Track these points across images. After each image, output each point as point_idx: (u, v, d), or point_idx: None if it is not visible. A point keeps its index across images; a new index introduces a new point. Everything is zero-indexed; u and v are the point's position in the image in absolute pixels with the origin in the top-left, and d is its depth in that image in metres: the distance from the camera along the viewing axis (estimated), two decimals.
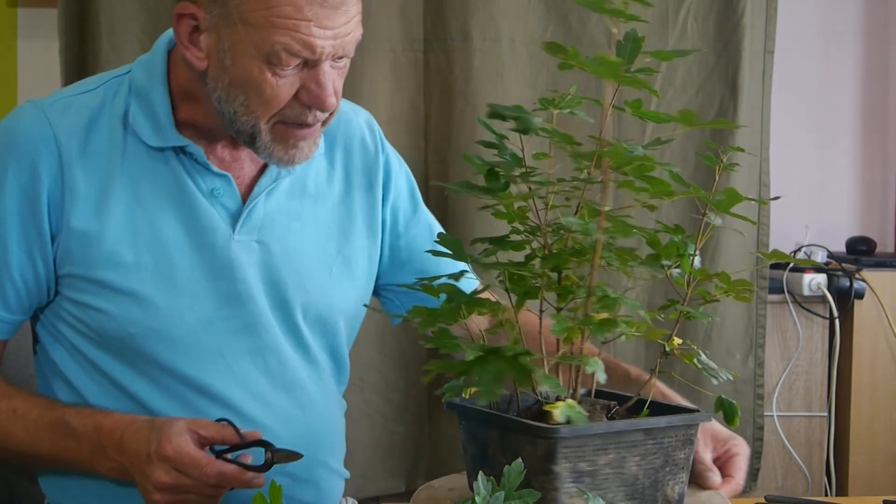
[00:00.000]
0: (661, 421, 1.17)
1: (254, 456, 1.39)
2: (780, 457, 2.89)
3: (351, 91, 2.61)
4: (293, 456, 1.40)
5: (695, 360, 1.23)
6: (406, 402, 2.72)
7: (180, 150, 1.46)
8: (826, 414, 2.88)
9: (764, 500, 1.59)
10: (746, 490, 2.86)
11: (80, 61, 2.63)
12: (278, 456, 1.38)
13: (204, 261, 1.46)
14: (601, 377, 1.12)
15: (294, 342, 1.53)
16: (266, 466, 1.37)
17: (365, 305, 1.59)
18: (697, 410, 1.25)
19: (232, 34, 1.35)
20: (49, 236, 1.44)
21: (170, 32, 1.48)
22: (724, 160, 1.26)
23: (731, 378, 1.29)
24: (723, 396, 1.27)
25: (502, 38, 2.65)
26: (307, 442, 1.50)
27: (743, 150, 1.29)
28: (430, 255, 1.39)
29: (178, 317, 1.44)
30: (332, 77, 1.38)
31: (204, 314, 1.45)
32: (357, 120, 1.64)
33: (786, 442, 2.87)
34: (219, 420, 1.41)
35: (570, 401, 1.17)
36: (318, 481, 1.56)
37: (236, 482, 1.34)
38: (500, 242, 1.21)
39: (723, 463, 1.43)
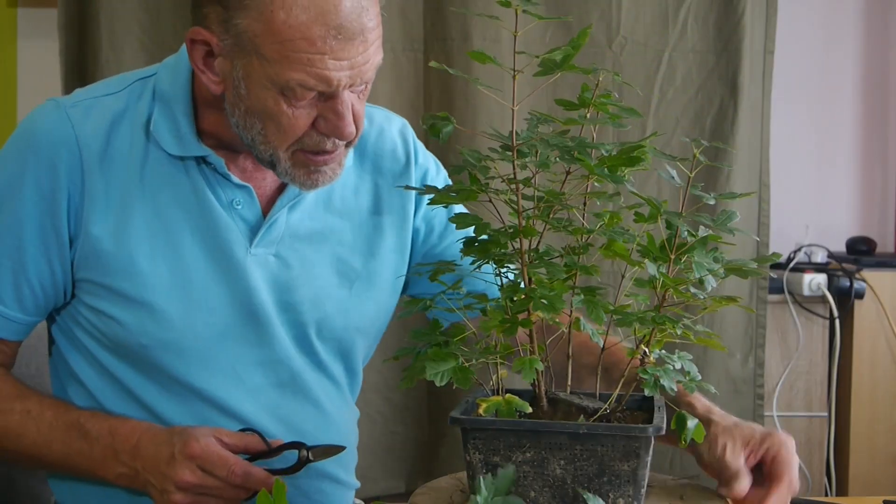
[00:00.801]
0: (591, 427, 1.16)
1: (282, 463, 1.38)
2: None
3: None
4: (332, 450, 1.39)
5: (667, 367, 1.23)
6: (406, 402, 2.72)
7: (201, 160, 1.43)
8: (826, 414, 2.89)
9: None
10: None
11: (80, 61, 2.63)
12: (315, 452, 1.38)
13: (220, 274, 1.43)
14: (529, 377, 1.16)
15: (307, 358, 1.51)
16: (298, 466, 1.36)
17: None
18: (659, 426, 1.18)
19: (246, 65, 1.31)
20: (68, 239, 1.42)
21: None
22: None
23: (712, 391, 1.28)
24: (684, 414, 1.26)
25: (502, 39, 2.65)
26: (322, 452, 1.48)
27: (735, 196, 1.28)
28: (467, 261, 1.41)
29: (191, 329, 1.42)
30: (351, 104, 1.34)
31: (217, 328, 1.43)
32: (390, 131, 1.59)
33: None
34: (242, 430, 1.40)
35: (509, 395, 1.19)
36: (327, 494, 1.57)
37: (262, 485, 1.32)
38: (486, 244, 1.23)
39: (768, 466, 1.33)
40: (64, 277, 1.44)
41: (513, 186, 1.22)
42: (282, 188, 1.47)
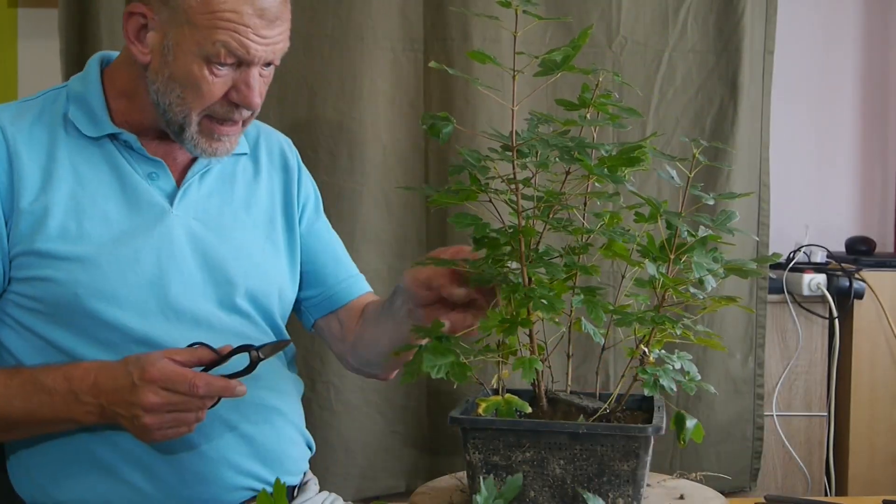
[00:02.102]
0: (590, 427, 1.16)
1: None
2: (779, 457, 2.89)
3: (351, 91, 2.61)
4: (280, 345, 1.51)
5: (666, 367, 1.23)
6: (406, 402, 2.72)
7: (115, 138, 1.62)
8: (826, 414, 2.89)
9: (764, 500, 1.59)
10: (746, 490, 2.87)
11: (80, 61, 2.62)
12: (265, 350, 1.48)
13: (143, 231, 1.59)
14: (529, 377, 1.17)
15: (231, 308, 1.65)
16: (251, 367, 1.46)
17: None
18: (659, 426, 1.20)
19: (178, 34, 1.53)
20: (2, 220, 1.55)
21: (100, 53, 1.70)
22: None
23: (699, 390, 1.28)
24: (683, 414, 1.26)
25: (502, 39, 2.66)
26: (260, 392, 1.61)
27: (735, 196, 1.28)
28: (324, 256, 1.82)
29: (121, 277, 1.55)
30: (259, 81, 1.58)
31: (146, 276, 1.58)
32: (277, 137, 1.87)
33: (785, 442, 2.87)
34: (191, 345, 1.50)
35: (508, 395, 1.20)
36: (278, 429, 1.65)
37: (224, 391, 1.44)
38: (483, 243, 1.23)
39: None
40: (3, 261, 1.55)
41: (513, 186, 1.22)
42: (191, 164, 1.68)
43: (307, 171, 1.88)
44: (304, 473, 1.75)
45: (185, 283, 1.60)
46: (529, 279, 1.22)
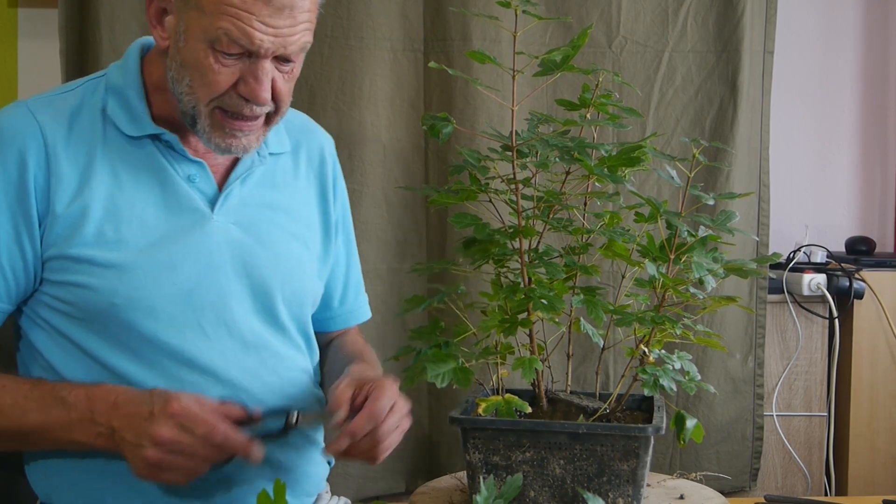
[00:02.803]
0: (590, 427, 1.16)
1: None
2: (779, 456, 2.89)
3: (351, 91, 2.61)
4: (320, 417, 1.45)
5: (666, 367, 1.23)
6: None
7: (157, 139, 1.55)
8: (826, 414, 2.89)
9: (763, 500, 1.59)
10: (746, 490, 2.87)
11: (80, 61, 2.63)
12: (304, 420, 1.42)
13: (183, 238, 1.53)
14: (529, 377, 1.17)
15: (269, 318, 1.59)
16: (283, 432, 1.40)
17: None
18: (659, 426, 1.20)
19: (188, 18, 1.46)
20: (37, 221, 1.50)
21: (142, 40, 1.61)
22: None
23: (704, 390, 1.28)
24: (683, 414, 1.26)
25: (502, 39, 2.66)
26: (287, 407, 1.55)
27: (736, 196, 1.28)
28: (340, 268, 1.75)
29: (158, 288, 1.50)
30: (272, 76, 1.48)
31: (183, 286, 1.51)
32: (319, 137, 1.76)
33: (785, 442, 2.87)
34: (223, 402, 1.44)
35: (508, 395, 1.20)
36: (300, 449, 1.60)
37: (241, 449, 1.38)
38: (484, 243, 1.23)
39: (366, 395, 1.44)
40: (35, 261, 1.51)
41: (513, 186, 1.22)
42: (233, 166, 1.60)
43: (342, 178, 1.79)
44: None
45: (223, 294, 1.54)
46: (529, 279, 1.22)
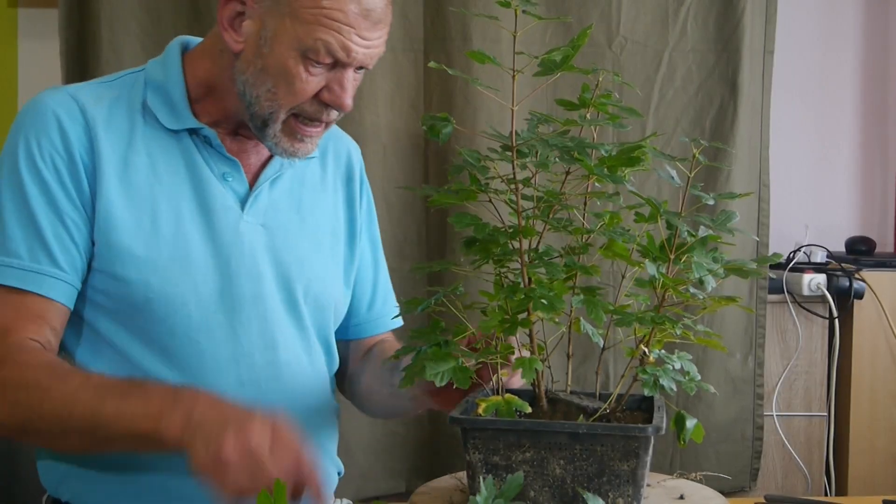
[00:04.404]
0: (590, 427, 1.16)
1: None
2: (779, 456, 2.89)
3: None
4: None
5: (666, 367, 1.23)
6: None
7: (194, 133, 1.54)
8: (826, 414, 2.89)
9: (763, 500, 1.59)
10: (746, 490, 2.87)
11: (80, 62, 2.63)
12: None
13: (216, 236, 1.52)
14: (529, 377, 1.17)
15: (294, 321, 1.58)
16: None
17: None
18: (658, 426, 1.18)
19: (277, 25, 1.45)
20: (90, 198, 1.48)
21: (180, 38, 1.60)
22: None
23: (709, 390, 1.28)
24: (683, 413, 1.26)
25: (502, 39, 2.66)
26: (306, 417, 1.52)
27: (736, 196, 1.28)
28: (367, 273, 1.73)
29: (192, 286, 1.49)
30: (353, 83, 1.50)
31: (216, 286, 1.51)
32: (346, 142, 1.77)
33: (785, 442, 2.87)
34: None
35: (508, 395, 1.20)
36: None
37: (315, 486, 1.26)
38: (486, 242, 1.23)
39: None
40: (89, 237, 1.48)
41: (512, 186, 1.22)
42: (263, 167, 1.59)
43: (368, 184, 1.78)
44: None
45: (253, 296, 1.53)
46: (529, 279, 1.22)
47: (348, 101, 1.49)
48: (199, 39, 1.61)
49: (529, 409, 1.20)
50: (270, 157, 1.60)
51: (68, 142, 1.48)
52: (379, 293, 1.77)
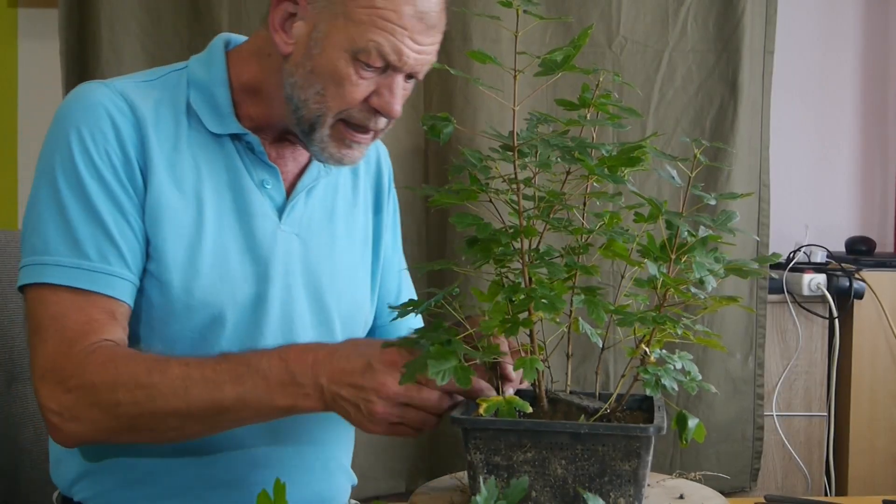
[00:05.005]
0: (592, 427, 1.16)
1: None
2: (779, 456, 2.89)
3: None
4: None
5: (668, 367, 1.23)
6: None
7: (237, 139, 1.50)
8: (826, 414, 2.89)
9: (763, 500, 1.59)
10: (746, 490, 2.87)
11: (80, 62, 2.63)
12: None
13: (254, 245, 1.49)
14: (530, 377, 1.17)
15: (321, 334, 1.55)
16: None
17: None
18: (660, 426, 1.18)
19: (330, 26, 1.42)
20: (143, 194, 1.44)
21: (223, 36, 1.55)
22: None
23: (710, 390, 1.28)
24: (685, 413, 1.26)
25: (502, 39, 2.66)
26: (323, 430, 1.53)
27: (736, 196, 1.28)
28: (390, 284, 1.69)
29: (230, 296, 1.46)
30: (402, 91, 1.46)
31: (252, 297, 1.48)
32: (375, 145, 1.71)
33: (785, 442, 2.87)
34: None
35: (509, 395, 1.20)
36: (330, 473, 1.59)
37: (478, 392, 1.26)
38: (487, 243, 1.23)
39: None
40: (145, 237, 1.44)
41: (513, 186, 1.22)
42: (300, 175, 1.55)
43: (394, 190, 1.74)
44: None
45: (286, 307, 1.50)
46: (530, 279, 1.22)
47: (397, 107, 1.46)
48: (241, 37, 1.57)
49: (530, 409, 1.20)
50: (307, 165, 1.56)
51: (122, 139, 1.43)
52: (403, 299, 1.72)
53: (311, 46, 1.43)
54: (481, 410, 1.19)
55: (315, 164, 1.56)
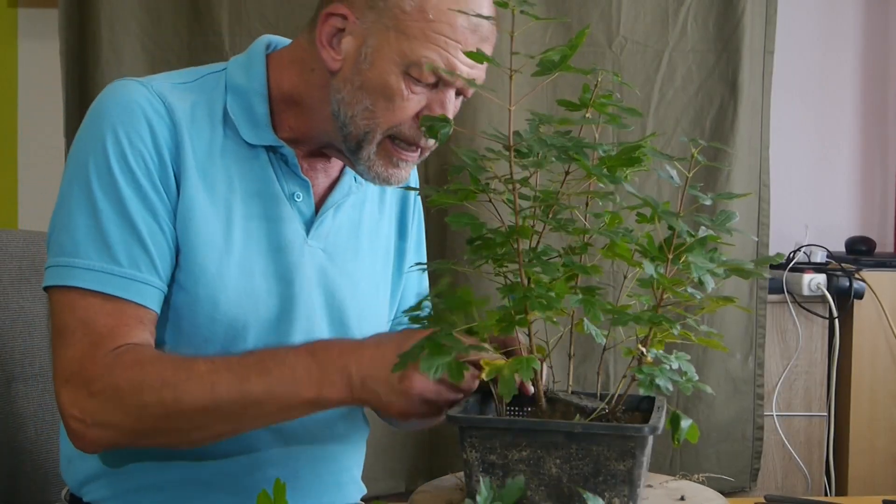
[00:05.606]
0: (586, 427, 1.16)
1: None
2: (779, 456, 2.89)
3: None
4: None
5: (663, 367, 1.23)
6: None
7: (272, 150, 1.47)
8: (826, 414, 2.89)
9: (763, 500, 1.59)
10: (746, 490, 2.87)
11: (80, 62, 2.63)
12: None
13: (280, 258, 1.46)
14: (527, 376, 1.16)
15: None
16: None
17: None
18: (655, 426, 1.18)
19: (380, 40, 1.39)
20: (176, 201, 1.41)
21: (265, 38, 1.51)
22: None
23: (705, 391, 1.28)
24: (678, 413, 1.26)
25: (501, 39, 2.65)
26: (337, 444, 1.52)
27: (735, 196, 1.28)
28: (412, 290, 1.64)
29: (254, 309, 1.43)
30: (453, 106, 1.43)
31: (275, 311, 1.45)
32: None
33: (785, 442, 2.87)
34: None
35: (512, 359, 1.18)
36: (342, 487, 1.57)
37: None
38: (487, 242, 1.23)
39: None
40: (176, 244, 1.41)
41: (509, 186, 1.22)
42: (329, 190, 1.52)
43: (420, 203, 1.70)
44: None
45: (308, 323, 1.47)
46: (528, 279, 1.22)
47: None
48: (284, 40, 1.53)
49: (538, 366, 1.19)
50: (338, 179, 1.53)
51: (158, 142, 1.40)
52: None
53: (360, 62, 1.40)
54: (483, 375, 1.19)
55: (347, 179, 1.53)
